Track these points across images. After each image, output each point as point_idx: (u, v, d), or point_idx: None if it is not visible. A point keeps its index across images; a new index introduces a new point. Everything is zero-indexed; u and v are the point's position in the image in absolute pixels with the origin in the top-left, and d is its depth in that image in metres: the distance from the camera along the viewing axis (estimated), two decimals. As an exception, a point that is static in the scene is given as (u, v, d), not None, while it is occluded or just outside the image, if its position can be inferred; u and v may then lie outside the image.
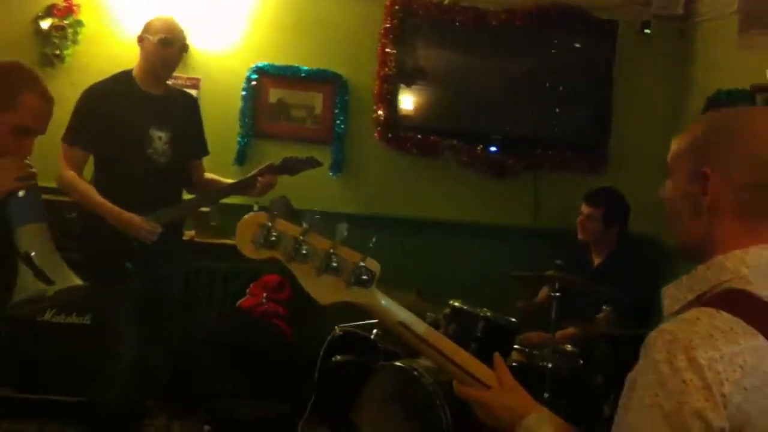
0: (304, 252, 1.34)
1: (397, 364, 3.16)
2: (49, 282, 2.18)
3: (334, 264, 1.36)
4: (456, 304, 3.40)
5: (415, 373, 3.03)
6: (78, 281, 2.28)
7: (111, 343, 3.20)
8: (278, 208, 1.36)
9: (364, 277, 1.38)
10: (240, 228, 1.33)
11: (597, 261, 3.92)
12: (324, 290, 1.36)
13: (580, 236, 3.91)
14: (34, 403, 4.07)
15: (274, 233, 1.33)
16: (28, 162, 2.17)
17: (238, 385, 4.06)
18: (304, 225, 1.35)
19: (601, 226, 3.85)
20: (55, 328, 3.99)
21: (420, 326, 1.45)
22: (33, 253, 2.18)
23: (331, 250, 1.35)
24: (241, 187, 3.48)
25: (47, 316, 3.90)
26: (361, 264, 1.37)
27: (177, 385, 4.10)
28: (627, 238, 3.92)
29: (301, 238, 1.34)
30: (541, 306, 3.92)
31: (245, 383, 4.02)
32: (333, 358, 3.61)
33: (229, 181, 3.56)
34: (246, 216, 1.34)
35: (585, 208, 3.89)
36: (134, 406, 3.37)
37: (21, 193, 2.16)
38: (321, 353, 3.64)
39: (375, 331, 3.51)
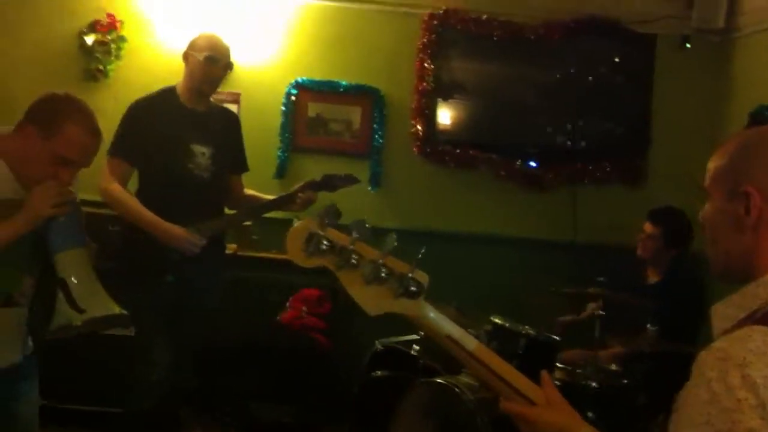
0: (353, 261, 1.33)
1: (438, 380, 3.14)
2: (79, 310, 2.16)
3: (383, 274, 1.34)
4: (497, 320, 3.38)
5: (457, 389, 3.01)
6: (115, 309, 2.24)
7: (147, 354, 3.22)
8: (328, 217, 1.35)
9: (413, 288, 1.36)
10: (291, 236, 1.33)
11: (653, 279, 3.85)
12: (372, 300, 1.35)
13: (639, 253, 3.84)
14: (76, 413, 4.14)
15: (324, 241, 1.32)
16: (67, 188, 2.19)
17: (277, 398, 4.07)
18: (354, 234, 1.34)
19: (661, 245, 3.78)
20: (99, 339, 4.06)
21: (469, 341, 1.43)
22: (70, 280, 2.18)
23: (380, 260, 1.34)
24: (282, 203, 3.50)
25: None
26: (410, 275, 1.36)
27: (214, 396, 4.14)
28: (686, 258, 3.83)
29: (351, 247, 1.33)
30: (583, 322, 3.88)
31: (284, 396, 4.04)
32: (373, 373, 3.60)
33: (269, 195, 3.59)
34: (297, 224, 1.33)
35: (647, 227, 3.82)
36: (168, 416, 3.38)
37: (61, 219, 2.18)
38: (361, 368, 3.64)
39: (414, 346, 3.50)
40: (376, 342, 3.68)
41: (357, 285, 1.35)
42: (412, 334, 3.61)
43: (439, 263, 4.47)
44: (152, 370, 3.22)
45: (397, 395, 3.23)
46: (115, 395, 3.87)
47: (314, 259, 1.33)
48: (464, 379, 3.02)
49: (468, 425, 2.95)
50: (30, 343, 2.38)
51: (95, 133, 2.21)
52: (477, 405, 2.93)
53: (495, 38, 4.86)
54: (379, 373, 3.59)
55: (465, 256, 4.78)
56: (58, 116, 2.15)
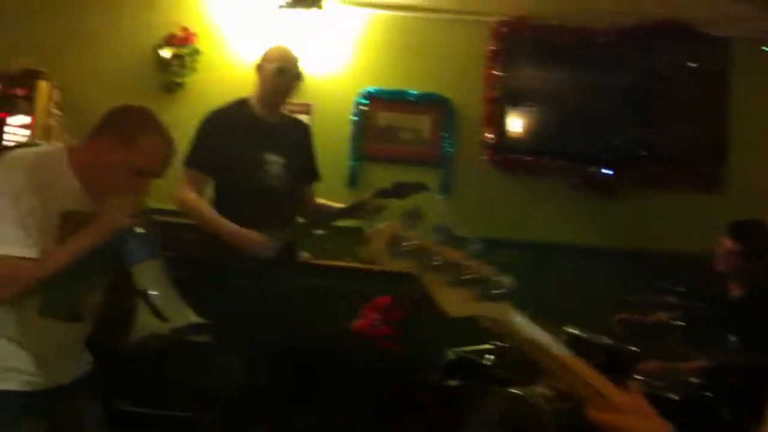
0: (436, 263, 1.32)
1: (513, 390, 3.11)
2: (164, 320, 2.17)
3: (467, 276, 1.33)
4: (573, 331, 3.32)
5: (532, 400, 2.98)
6: (195, 318, 2.25)
7: (221, 360, 3.26)
8: (412, 219, 1.34)
9: (497, 291, 1.35)
10: (374, 238, 1.31)
11: (736, 292, 3.73)
12: (455, 303, 1.33)
13: (716, 267, 3.72)
14: (155, 418, 4.23)
15: (408, 244, 1.32)
16: (141, 200, 2.22)
17: (348, 406, 4.08)
18: (437, 236, 1.33)
19: (741, 261, 3.65)
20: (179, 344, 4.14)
21: (557, 346, 1.40)
22: (150, 291, 2.18)
23: (464, 263, 1.33)
24: (353, 211, 3.52)
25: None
26: (494, 278, 1.34)
27: (287, 404, 4.16)
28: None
29: (434, 249, 1.32)
30: (649, 326, 3.76)
31: (355, 404, 4.04)
32: (445, 382, 3.58)
33: (341, 204, 3.62)
34: (380, 225, 1.32)
35: (727, 242, 3.67)
36: (241, 421, 3.42)
37: (138, 230, 2.19)
38: (434, 377, 3.63)
39: (487, 356, 3.47)
40: (448, 351, 3.66)
41: (440, 288, 1.33)
42: (484, 344, 3.58)
43: (510, 271, 4.48)
44: (226, 376, 3.25)
45: (468, 405, 3.20)
46: (187, 400, 3.98)
47: (397, 261, 1.31)
48: (539, 389, 2.98)
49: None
50: (89, 356, 2.39)
51: (170, 145, 2.24)
52: (553, 416, 2.89)
53: (565, 44, 4.82)
54: (451, 382, 3.57)
55: (536, 265, 4.71)
56: (134, 128, 2.18)
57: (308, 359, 4.04)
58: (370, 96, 4.83)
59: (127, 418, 4.08)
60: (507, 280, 1.34)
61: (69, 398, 2.27)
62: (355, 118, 4.83)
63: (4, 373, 2.11)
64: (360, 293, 4.38)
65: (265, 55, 3.48)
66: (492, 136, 4.80)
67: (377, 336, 4.20)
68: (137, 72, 4.79)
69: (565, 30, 4.81)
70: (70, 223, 2.14)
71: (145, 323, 2.19)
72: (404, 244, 1.30)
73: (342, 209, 3.55)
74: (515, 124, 4.90)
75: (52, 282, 2.09)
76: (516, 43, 4.85)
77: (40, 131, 4.50)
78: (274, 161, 3.42)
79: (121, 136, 2.16)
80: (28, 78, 4.50)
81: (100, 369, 2.44)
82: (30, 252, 2.04)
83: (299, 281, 3.62)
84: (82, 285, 2.21)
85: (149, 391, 4.19)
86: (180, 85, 4.78)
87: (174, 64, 4.76)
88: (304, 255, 4.22)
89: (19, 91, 4.53)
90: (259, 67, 3.45)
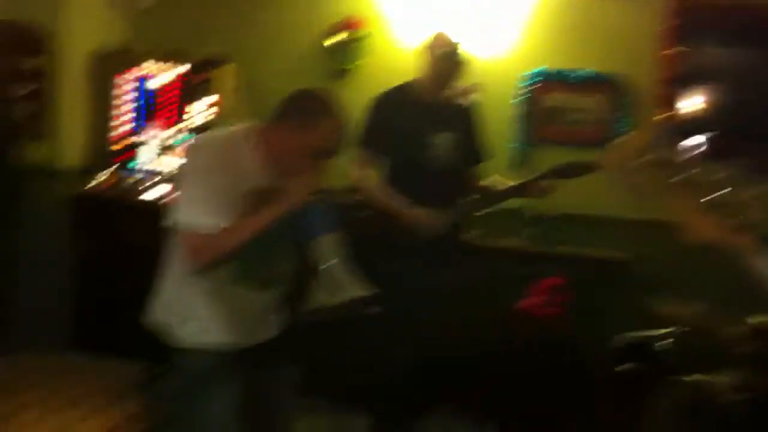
0: (685, 181, 1.24)
1: (696, 378, 2.98)
2: (335, 293, 2.28)
3: (725, 199, 1.24)
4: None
5: (719, 389, 2.84)
6: (368, 291, 2.34)
7: (393, 334, 3.33)
8: (664, 138, 1.28)
9: (751, 224, 1.25)
10: (621, 145, 1.24)
11: None
12: (702, 226, 1.25)
13: None
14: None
15: (666, 151, 1.24)
16: (321, 178, 2.33)
17: (518, 388, 4.06)
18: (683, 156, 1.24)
19: None
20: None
21: None
22: (325, 264, 2.29)
23: (715, 185, 1.24)
24: (520, 191, 3.50)
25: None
26: (752, 209, 1.25)
27: (458, 385, 4.21)
28: None
29: (685, 165, 1.24)
30: None
31: (526, 386, 4.02)
32: (618, 367, 3.49)
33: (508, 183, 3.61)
34: (627, 135, 1.25)
35: None
36: (412, 396, 3.48)
37: (317, 206, 2.31)
38: (604, 361, 3.54)
39: (662, 341, 3.35)
40: (622, 335, 3.56)
41: (686, 207, 1.25)
42: (659, 329, 3.45)
43: (687, 257, 4.29)
44: (398, 350, 3.33)
45: (647, 392, 3.11)
46: (365, 370, 4.10)
47: (637, 174, 1.24)
48: (722, 378, 2.84)
49: (723, 426, 2.78)
50: (281, 324, 2.54)
51: (345, 126, 2.34)
52: (736, 406, 2.75)
53: (743, 22, 4.55)
54: (624, 367, 3.47)
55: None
56: (313, 111, 2.28)
57: (474, 341, 4.05)
58: (537, 77, 4.75)
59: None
60: (759, 212, 1.24)
61: (262, 362, 2.43)
62: (522, 100, 4.77)
63: (201, 334, 2.30)
64: (527, 275, 4.35)
65: (431, 39, 3.53)
66: (667, 116, 4.61)
67: (545, 317, 4.14)
68: (307, 58, 4.96)
69: (743, 7, 4.54)
70: (255, 199, 2.28)
71: (319, 296, 2.30)
72: (653, 156, 1.23)
73: (510, 188, 3.55)
74: (690, 103, 4.68)
75: (241, 254, 2.24)
76: (692, 21, 4.61)
77: (224, 113, 4.80)
78: (441, 142, 3.47)
79: (301, 119, 2.27)
80: (214, 64, 4.85)
81: (289, 337, 2.57)
82: (218, 224, 2.19)
83: (465, 261, 3.64)
84: (267, 257, 2.35)
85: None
86: (348, 71, 4.90)
87: (342, 50, 4.88)
88: (468, 236, 4.22)
89: (207, 76, 4.87)
90: (425, 52, 3.52)
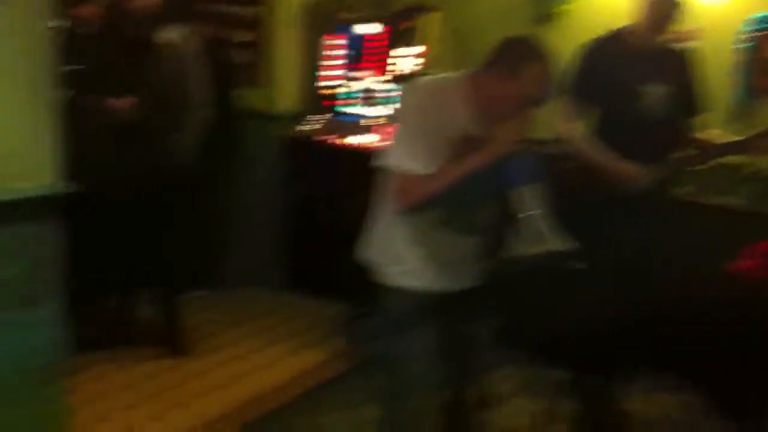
0: None
1: None
2: (535, 243, 2.29)
3: None
4: None
5: None
6: (569, 244, 2.34)
7: (594, 291, 3.27)
8: None
9: None
10: None
11: None
12: None
13: None
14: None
15: None
16: (529, 126, 2.33)
17: (728, 356, 3.89)
18: None
19: None
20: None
21: None
22: (526, 214, 2.30)
23: None
24: (738, 148, 3.31)
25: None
26: None
27: (658, 351, 4.09)
28: None
29: None
30: None
31: (735, 354, 3.84)
32: None
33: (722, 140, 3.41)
34: None
35: None
36: (619, 360, 3.43)
37: (521, 155, 2.31)
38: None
39: None
40: None
41: None
42: None
43: None
44: (601, 306, 3.28)
45: None
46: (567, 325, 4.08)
47: None
48: None
49: None
50: (480, 271, 2.57)
51: (553, 73, 2.31)
52: None
53: None
54: None
55: None
56: (520, 58, 2.27)
57: (679, 302, 3.91)
58: (762, 23, 4.41)
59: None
60: None
61: (464, 307, 2.50)
62: (744, 48, 4.45)
63: (407, 273, 2.40)
64: (742, 236, 4.11)
65: (646, -20, 3.36)
66: None
67: (759, 282, 3.91)
68: (512, 4, 4.88)
69: None
70: (461, 145, 2.32)
71: (517, 245, 2.32)
72: None
73: (727, 145, 3.36)
74: None
75: (447, 198, 2.30)
76: None
77: (430, 61, 4.87)
78: (654, 92, 3.32)
79: (508, 67, 2.27)
80: (420, 11, 4.92)
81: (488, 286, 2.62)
82: (426, 168, 2.27)
83: (674, 219, 3.51)
84: (472, 203, 2.38)
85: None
86: (555, 15, 4.80)
87: (549, -5, 4.78)
88: (680, 192, 4.05)
89: (413, 24, 4.96)
90: (640, -5, 3.35)
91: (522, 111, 2.31)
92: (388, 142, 2.42)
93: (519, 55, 2.30)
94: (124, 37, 3.78)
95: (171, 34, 3.87)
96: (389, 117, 2.95)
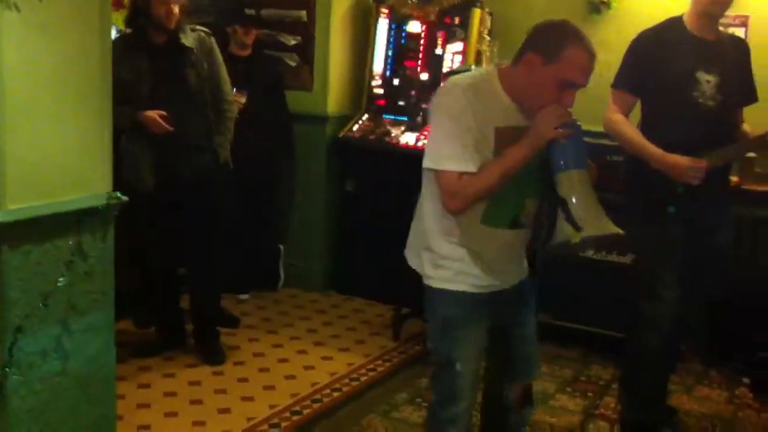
0: None
1: None
2: (578, 228, 2.21)
3: None
4: None
5: None
6: (614, 229, 2.24)
7: (650, 288, 3.21)
8: None
9: None
10: None
11: None
12: None
13: None
14: (574, 332, 4.38)
15: None
16: (569, 111, 2.25)
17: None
18: None
19: None
20: (597, 264, 4.20)
21: None
22: (569, 199, 2.23)
23: None
24: None
25: (590, 252, 4.15)
26: None
27: (714, 331, 4.01)
28: None
29: None
30: None
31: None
32: None
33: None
34: None
35: None
36: (672, 349, 3.35)
37: (563, 140, 2.23)
38: None
39: None
40: None
41: None
42: None
43: None
44: (655, 305, 3.21)
45: None
46: (614, 320, 4.04)
47: None
48: None
49: None
50: (526, 264, 2.52)
51: (592, 55, 2.22)
52: None
53: None
54: None
55: None
56: (558, 42, 2.20)
57: (733, 290, 3.80)
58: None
59: (552, 331, 4.28)
60: None
61: (509, 303, 2.46)
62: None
63: (457, 275, 2.37)
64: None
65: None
66: None
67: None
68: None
69: None
70: (506, 137, 2.28)
71: (561, 230, 2.26)
72: None
73: None
74: None
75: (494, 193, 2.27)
76: None
77: (473, 56, 4.82)
78: (708, 80, 3.22)
79: (546, 52, 2.21)
80: (464, 7, 4.86)
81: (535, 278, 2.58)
82: (470, 166, 2.23)
83: (729, 208, 3.40)
84: (520, 194, 2.35)
85: (576, 307, 4.33)
86: (608, 5, 4.70)
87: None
88: (733, 180, 3.95)
89: (456, 20, 4.91)
90: (694, -18, 3.25)
91: (561, 95, 2.23)
92: (429, 141, 2.39)
93: (552, 37, 2.23)
94: (152, 45, 3.83)
95: (192, 35, 3.89)
96: (429, 114, 2.92)
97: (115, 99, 2.61)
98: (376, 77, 5.23)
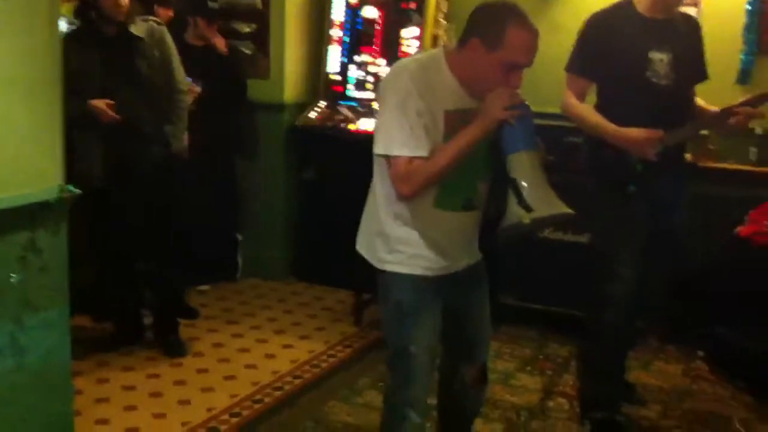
0: None
1: None
2: (528, 209, 2.21)
3: None
4: None
5: None
6: (564, 209, 2.25)
7: (609, 267, 3.24)
8: None
9: None
10: None
11: None
12: None
13: None
14: (532, 312, 4.43)
15: None
16: (517, 93, 2.25)
17: (735, 314, 3.87)
18: None
19: None
20: (554, 244, 4.25)
21: None
22: (519, 181, 2.23)
23: None
24: (726, 116, 3.23)
25: (546, 232, 4.20)
26: None
27: (670, 308, 4.08)
28: None
29: None
30: None
31: (743, 313, 3.82)
32: None
33: (731, 103, 3.33)
34: None
35: None
36: (631, 326, 3.40)
37: (513, 122, 2.23)
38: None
39: None
40: None
41: None
42: None
43: None
44: (613, 284, 3.24)
45: None
46: (571, 299, 4.06)
47: None
48: None
49: None
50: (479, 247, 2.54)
51: (534, 34, 2.22)
52: None
53: None
54: None
55: None
56: (499, 25, 2.19)
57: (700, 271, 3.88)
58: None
59: (511, 312, 4.33)
60: None
61: (462, 285, 2.48)
62: (750, 8, 4.37)
63: (411, 259, 2.38)
64: (749, 198, 4.07)
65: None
66: None
67: (766, 243, 3.85)
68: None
69: None
70: (455, 121, 2.28)
71: (512, 212, 2.27)
72: None
73: (722, 112, 3.28)
74: None
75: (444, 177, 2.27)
76: None
77: (430, 41, 4.82)
78: (661, 59, 3.24)
79: (486, 36, 2.20)
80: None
81: (490, 262, 2.61)
82: (420, 151, 2.23)
83: (685, 186, 3.45)
84: (471, 177, 2.36)
85: (535, 287, 4.37)
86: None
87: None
88: (687, 157, 4.01)
89: (412, 5, 4.92)
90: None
91: (507, 77, 2.23)
92: (377, 126, 2.37)
93: (492, 19, 2.21)
94: (102, 36, 3.79)
95: (143, 26, 3.85)
96: (377, 99, 2.92)
97: (65, 90, 2.57)
98: (333, 64, 5.22)
